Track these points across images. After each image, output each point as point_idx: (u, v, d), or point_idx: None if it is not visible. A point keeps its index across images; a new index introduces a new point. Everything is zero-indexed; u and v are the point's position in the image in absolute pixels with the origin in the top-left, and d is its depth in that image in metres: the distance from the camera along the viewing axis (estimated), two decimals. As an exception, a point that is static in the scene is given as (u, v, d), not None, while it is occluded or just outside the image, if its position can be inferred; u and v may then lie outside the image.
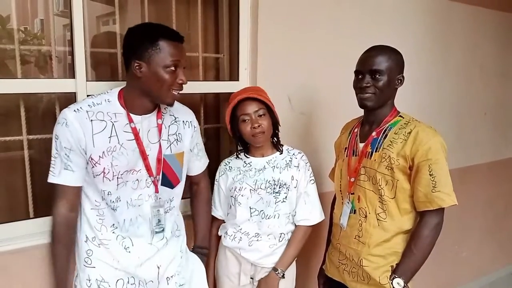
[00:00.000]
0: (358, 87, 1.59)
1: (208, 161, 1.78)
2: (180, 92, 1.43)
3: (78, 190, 1.44)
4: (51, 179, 1.41)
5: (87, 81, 1.68)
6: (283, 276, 1.74)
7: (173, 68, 1.38)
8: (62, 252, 1.46)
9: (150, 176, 1.47)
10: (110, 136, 1.41)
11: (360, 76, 1.59)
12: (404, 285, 1.53)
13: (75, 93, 1.67)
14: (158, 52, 1.36)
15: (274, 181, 1.73)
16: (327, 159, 2.13)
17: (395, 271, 1.56)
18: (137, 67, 1.37)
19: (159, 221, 1.51)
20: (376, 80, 1.55)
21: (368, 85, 1.56)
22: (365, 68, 1.57)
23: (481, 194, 3.39)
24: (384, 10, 2.47)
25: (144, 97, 1.43)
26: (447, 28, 2.84)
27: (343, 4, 2.28)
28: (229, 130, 1.78)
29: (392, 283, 1.54)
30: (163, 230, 1.52)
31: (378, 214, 1.59)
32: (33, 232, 1.65)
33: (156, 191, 1.50)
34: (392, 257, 1.59)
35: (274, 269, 1.74)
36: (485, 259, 3.58)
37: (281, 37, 2.08)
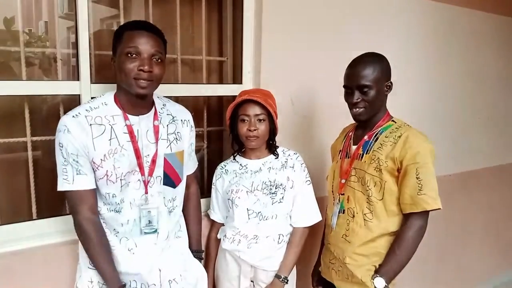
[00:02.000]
0: (349, 103, 1.63)
1: (197, 163, 1.78)
2: (149, 82, 1.38)
3: (95, 192, 1.44)
4: (67, 187, 1.39)
5: (91, 83, 1.69)
6: (286, 282, 1.75)
7: (134, 55, 1.36)
8: (103, 251, 1.43)
9: (141, 176, 1.47)
10: (110, 139, 1.41)
11: (349, 91, 1.62)
12: (385, 285, 1.55)
13: (79, 95, 1.68)
14: (120, 42, 1.39)
15: (270, 182, 1.74)
16: (329, 162, 2.13)
17: (377, 271, 1.59)
18: (113, 63, 1.43)
19: (150, 222, 1.50)
20: (365, 94, 1.58)
21: (358, 100, 1.59)
22: (352, 84, 1.60)
23: (483, 199, 3.38)
24: (385, 14, 2.48)
25: (128, 94, 1.43)
26: (448, 32, 2.84)
27: (346, 9, 2.29)
28: (227, 126, 1.80)
29: (373, 282, 1.56)
30: (155, 231, 1.51)
31: (365, 214, 1.62)
32: (36, 233, 1.66)
33: (146, 192, 1.48)
34: (375, 257, 1.61)
35: (278, 276, 1.74)
36: (487, 265, 3.57)
37: (285, 40, 2.08)
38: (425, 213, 1.54)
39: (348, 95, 1.63)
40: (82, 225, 1.41)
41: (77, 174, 1.39)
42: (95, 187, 1.43)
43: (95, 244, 1.42)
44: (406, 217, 1.57)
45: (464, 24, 2.92)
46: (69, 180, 1.39)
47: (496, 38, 3.17)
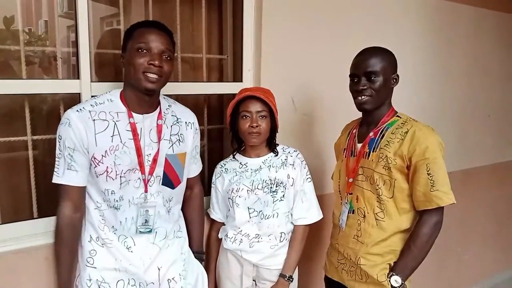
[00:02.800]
0: (355, 91, 1.61)
1: (202, 166, 1.79)
2: (158, 77, 1.40)
3: (81, 190, 1.45)
4: (55, 179, 1.42)
5: (91, 82, 1.69)
6: (292, 280, 1.75)
7: (144, 51, 1.39)
8: (66, 253, 1.47)
9: (142, 174, 1.47)
10: (113, 135, 1.42)
11: (355, 80, 1.61)
12: (402, 283, 1.53)
13: (79, 93, 1.68)
14: (131, 39, 1.41)
15: (271, 180, 1.73)
16: (330, 160, 2.14)
17: (393, 269, 1.57)
18: (122, 60, 1.45)
19: (146, 221, 1.50)
20: (372, 81, 1.56)
21: (365, 87, 1.57)
22: (360, 71, 1.58)
23: (484, 196, 3.38)
24: (387, 12, 2.47)
25: (135, 91, 1.44)
26: (450, 30, 2.84)
27: (346, 7, 2.28)
28: (228, 123, 1.79)
29: (390, 281, 1.55)
30: (150, 231, 1.51)
31: (376, 213, 1.60)
32: (37, 232, 1.66)
33: (145, 190, 1.49)
34: (390, 255, 1.59)
35: (283, 275, 1.74)
36: (488, 262, 3.57)
37: (285, 38, 2.08)
38: (440, 209, 1.52)
39: (354, 84, 1.61)
40: (57, 220, 1.44)
41: (67, 168, 1.41)
42: (83, 184, 1.44)
43: (63, 244, 1.46)
44: (421, 214, 1.56)
45: (467, 21, 2.92)
46: (59, 173, 1.42)
47: (498, 35, 3.17)
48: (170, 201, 1.58)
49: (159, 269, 1.53)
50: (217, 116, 2.23)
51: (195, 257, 1.73)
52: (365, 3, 2.35)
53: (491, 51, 3.15)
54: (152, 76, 1.40)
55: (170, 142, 1.54)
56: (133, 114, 1.46)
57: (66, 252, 1.47)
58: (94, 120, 1.40)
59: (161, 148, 1.50)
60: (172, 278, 1.57)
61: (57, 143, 1.41)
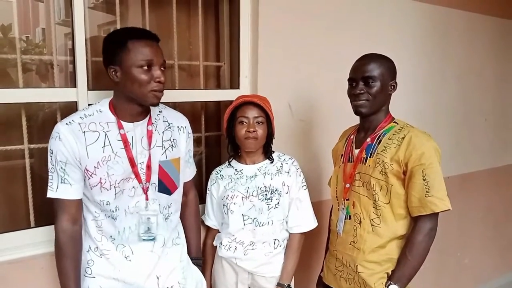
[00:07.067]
0: (352, 95, 1.62)
1: (196, 170, 1.78)
2: (162, 92, 1.41)
3: (78, 203, 1.44)
4: (50, 194, 1.40)
5: (88, 90, 1.68)
6: None
7: (146, 68, 1.37)
8: (72, 266, 1.44)
9: (139, 183, 1.46)
10: (104, 146, 1.41)
11: (353, 84, 1.62)
12: None
13: (76, 102, 1.68)
14: (128, 53, 1.36)
15: (266, 187, 1.73)
16: (327, 166, 2.14)
17: (390, 278, 1.57)
18: (113, 73, 1.39)
19: (149, 229, 1.49)
20: (369, 86, 1.58)
21: (362, 92, 1.58)
22: (358, 75, 1.60)
23: (482, 200, 3.39)
24: (382, 17, 2.48)
25: (130, 103, 1.43)
26: (445, 34, 2.85)
27: (343, 12, 2.29)
28: (224, 129, 1.79)
29: None
30: (153, 239, 1.50)
31: (372, 219, 1.60)
32: (34, 242, 1.65)
33: (146, 198, 1.48)
34: (388, 263, 1.59)
35: (281, 285, 1.74)
36: (487, 266, 3.57)
37: (281, 45, 2.09)
38: (434, 215, 1.52)
39: (352, 88, 1.62)
40: (57, 235, 1.42)
41: (61, 182, 1.39)
42: (79, 197, 1.43)
43: (65, 257, 1.42)
44: (415, 220, 1.56)
45: (460, 26, 2.93)
46: (53, 188, 1.40)
47: (492, 40, 3.19)
48: (168, 207, 1.56)
49: (158, 277, 1.52)
50: (215, 123, 2.23)
51: (193, 263, 1.72)
52: (361, 10, 2.36)
53: (485, 55, 3.16)
54: (159, 93, 1.40)
55: (163, 148, 1.53)
56: (123, 123, 1.44)
57: (71, 265, 1.43)
58: (84, 132, 1.39)
59: (153, 154, 1.49)
60: (171, 286, 1.56)
61: (49, 158, 1.40)
